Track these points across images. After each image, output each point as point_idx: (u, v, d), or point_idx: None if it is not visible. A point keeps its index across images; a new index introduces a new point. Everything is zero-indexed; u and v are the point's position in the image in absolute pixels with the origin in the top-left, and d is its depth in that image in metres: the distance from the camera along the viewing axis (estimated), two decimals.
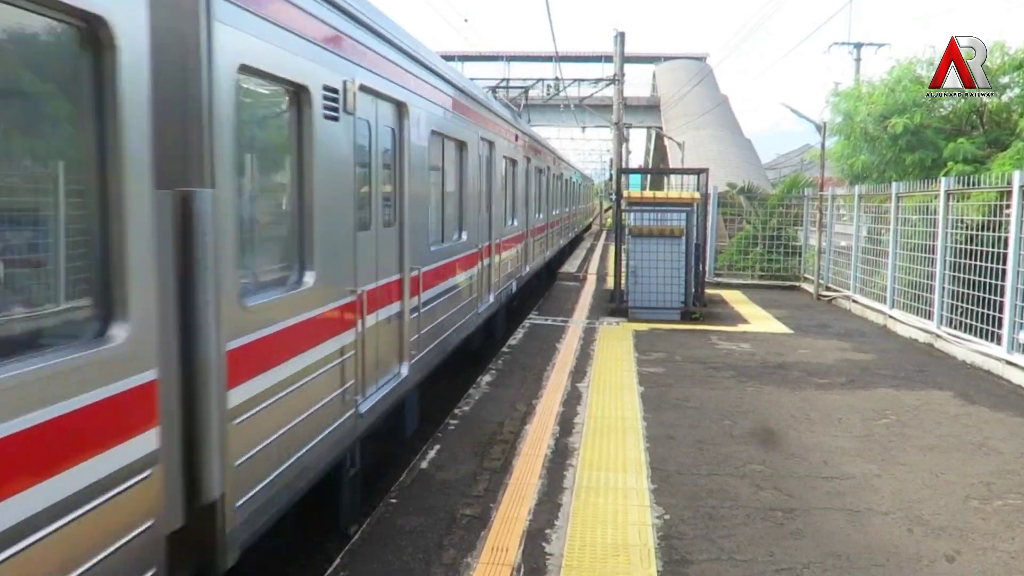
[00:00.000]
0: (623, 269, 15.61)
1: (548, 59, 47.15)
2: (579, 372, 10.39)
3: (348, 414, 5.80)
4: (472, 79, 24.20)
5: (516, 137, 15.16)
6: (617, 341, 12.63)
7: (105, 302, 3.30)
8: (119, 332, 3.30)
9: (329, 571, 5.02)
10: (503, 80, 35.14)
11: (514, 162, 14.77)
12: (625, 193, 16.63)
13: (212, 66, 3.91)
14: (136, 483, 3.40)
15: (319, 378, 5.29)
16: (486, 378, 10.03)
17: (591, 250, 34.30)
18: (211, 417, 3.93)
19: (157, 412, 3.55)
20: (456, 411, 8.56)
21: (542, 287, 20.57)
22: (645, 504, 6.05)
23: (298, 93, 5.02)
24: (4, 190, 3.07)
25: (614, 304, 15.78)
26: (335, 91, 5.48)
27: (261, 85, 4.75)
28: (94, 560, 3.16)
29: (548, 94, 38.88)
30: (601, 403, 8.90)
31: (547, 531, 5.55)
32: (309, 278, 5.15)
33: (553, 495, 6.20)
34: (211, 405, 3.94)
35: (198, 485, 3.88)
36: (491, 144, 12.14)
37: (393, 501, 6.09)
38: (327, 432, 5.41)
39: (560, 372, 10.39)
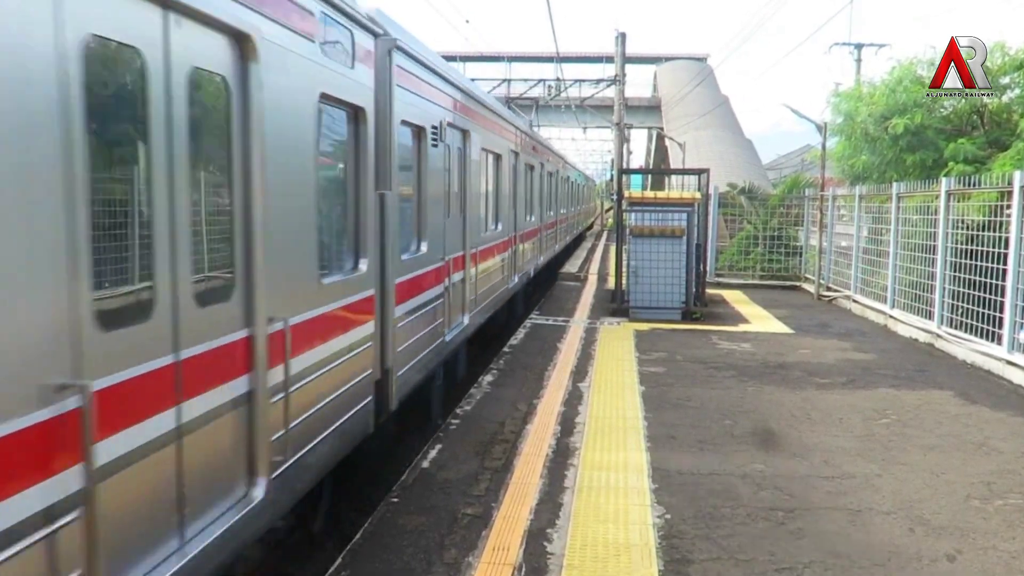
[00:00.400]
0: (624, 269, 15.63)
1: (549, 60, 47.14)
2: (580, 372, 10.40)
3: (439, 340, 8.80)
4: (473, 79, 24.28)
5: (534, 148, 18.14)
6: (618, 341, 12.64)
7: (358, 251, 6.25)
8: (362, 267, 6.26)
9: (331, 570, 5.03)
10: (504, 80, 35.17)
11: (531, 167, 17.22)
12: (626, 193, 16.64)
13: (392, 122, 6.76)
14: (365, 348, 6.25)
15: (428, 311, 8.34)
16: (487, 378, 10.04)
17: (592, 250, 34.31)
18: (389, 319, 6.88)
19: (374, 311, 6.52)
20: (457, 410, 8.57)
21: (543, 287, 20.56)
22: (646, 503, 6.06)
23: (420, 131, 7.96)
24: (334, 204, 6.01)
25: (615, 304, 15.78)
26: (436, 128, 8.48)
27: (407, 129, 7.59)
28: (352, 383, 5.98)
29: (550, 95, 38.93)
30: (602, 403, 8.91)
31: (548, 530, 5.56)
32: (424, 247, 8.16)
33: (554, 494, 6.21)
34: (389, 313, 6.89)
35: (384, 357, 6.79)
36: (516, 155, 14.70)
37: (395, 500, 6.10)
38: (431, 348, 8.42)
39: (561, 372, 10.40)
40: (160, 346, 3.51)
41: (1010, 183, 10.74)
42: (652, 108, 62.02)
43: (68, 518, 2.92)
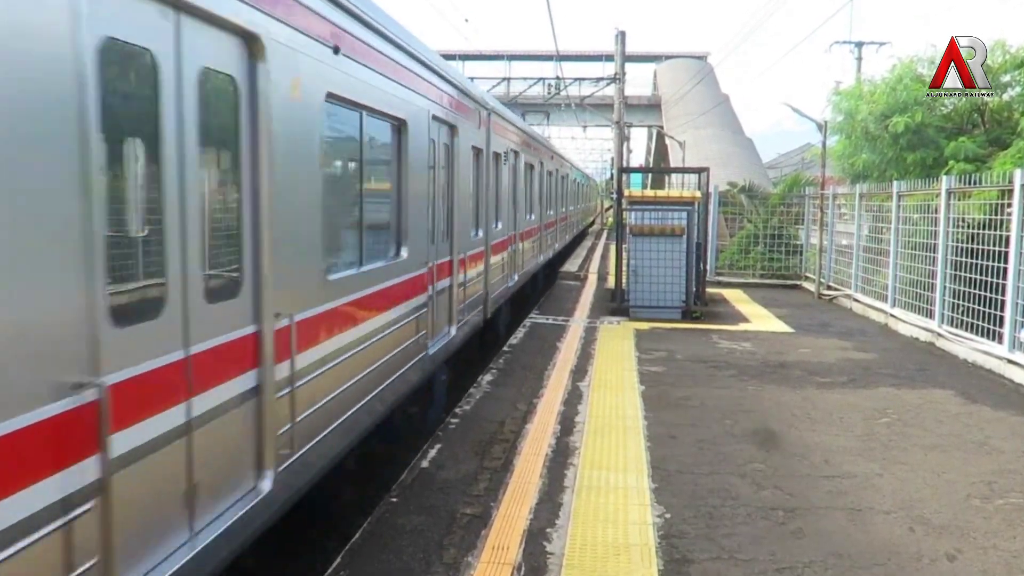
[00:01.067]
0: (624, 268, 15.61)
1: (549, 58, 47.15)
2: (580, 371, 10.39)
3: (480, 308, 10.81)
4: (473, 78, 24.21)
5: (550, 156, 20.33)
6: (618, 340, 12.63)
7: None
8: (480, 233, 10.83)
9: (329, 571, 5.02)
10: (504, 79, 35.15)
11: (549, 173, 19.67)
12: (626, 192, 16.62)
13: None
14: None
15: (474, 281, 10.64)
16: (487, 377, 10.02)
17: (592, 249, 34.30)
18: (489, 263, 11.00)
19: (483, 259, 10.96)
20: (457, 410, 8.56)
21: (541, 287, 20.54)
22: (646, 503, 6.04)
23: (498, 156, 10.88)
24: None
25: (615, 303, 15.77)
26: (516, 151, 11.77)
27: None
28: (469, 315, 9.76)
29: (549, 93, 38.90)
30: (602, 402, 8.89)
31: (548, 530, 5.55)
32: (482, 233, 10.87)
33: (554, 494, 6.20)
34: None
35: (487, 286, 10.59)
36: (533, 166, 16.34)
37: (394, 500, 6.09)
38: (474, 312, 10.65)
39: (561, 371, 10.38)
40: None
41: (1011, 181, 10.72)
42: (652, 107, 61.97)
43: (482, 275, 8.57)
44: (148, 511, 3.48)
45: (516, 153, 14.75)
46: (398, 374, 7.03)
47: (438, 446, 7.34)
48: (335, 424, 5.53)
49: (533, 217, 17.57)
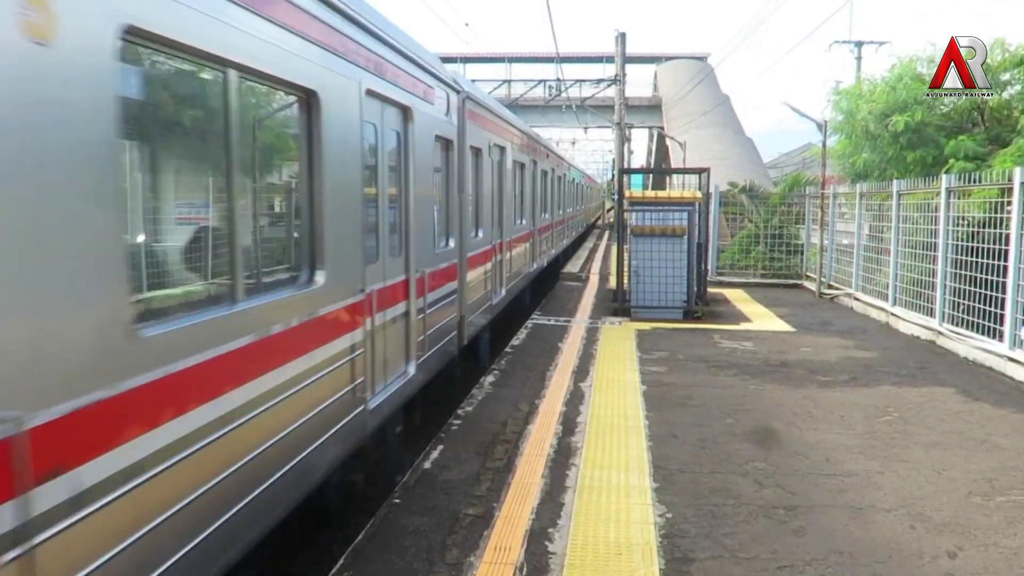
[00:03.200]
0: (625, 269, 15.64)
1: (550, 60, 47.17)
2: (582, 371, 10.41)
3: (453, 335, 9.72)
4: (474, 80, 24.22)
5: (545, 154, 20.50)
6: (620, 340, 12.65)
7: (448, 237, 9.50)
8: (452, 243, 9.60)
9: (333, 571, 5.04)
10: (504, 81, 35.19)
11: (544, 173, 19.80)
12: (627, 193, 16.64)
13: (464, 147, 10.18)
14: (453, 298, 9.56)
15: (488, 275, 11.96)
16: (489, 378, 10.05)
17: (594, 250, 34.32)
18: (465, 280, 10.20)
19: (457, 274, 9.75)
20: (459, 411, 8.58)
21: (543, 288, 20.54)
22: (647, 503, 6.07)
23: (478, 151, 11.16)
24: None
25: (617, 304, 15.80)
26: (501, 147, 12.96)
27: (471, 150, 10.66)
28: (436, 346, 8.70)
29: (550, 95, 38.95)
30: (604, 402, 8.92)
31: (550, 530, 5.57)
32: (454, 243, 9.79)
33: (556, 494, 6.22)
34: (463, 274, 10.15)
35: (462, 307, 10.02)
36: (524, 164, 16.16)
37: (396, 501, 6.11)
38: (487, 304, 11.87)
39: (563, 372, 10.41)
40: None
41: (1010, 179, 10.73)
42: (653, 108, 62.03)
43: (493, 268, 12.04)
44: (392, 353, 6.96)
45: (501, 148, 13.11)
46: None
47: (440, 447, 7.37)
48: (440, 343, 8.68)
49: (524, 222, 16.15)
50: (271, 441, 4.54)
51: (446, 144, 9.44)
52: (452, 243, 9.60)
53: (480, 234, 11.34)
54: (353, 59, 5.90)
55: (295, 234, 5.39)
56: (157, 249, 4.18)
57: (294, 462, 4.86)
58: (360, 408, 6.08)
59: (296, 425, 4.88)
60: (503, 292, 13.31)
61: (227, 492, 4.04)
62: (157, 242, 4.21)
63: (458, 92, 9.83)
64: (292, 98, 5.17)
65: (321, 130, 5.32)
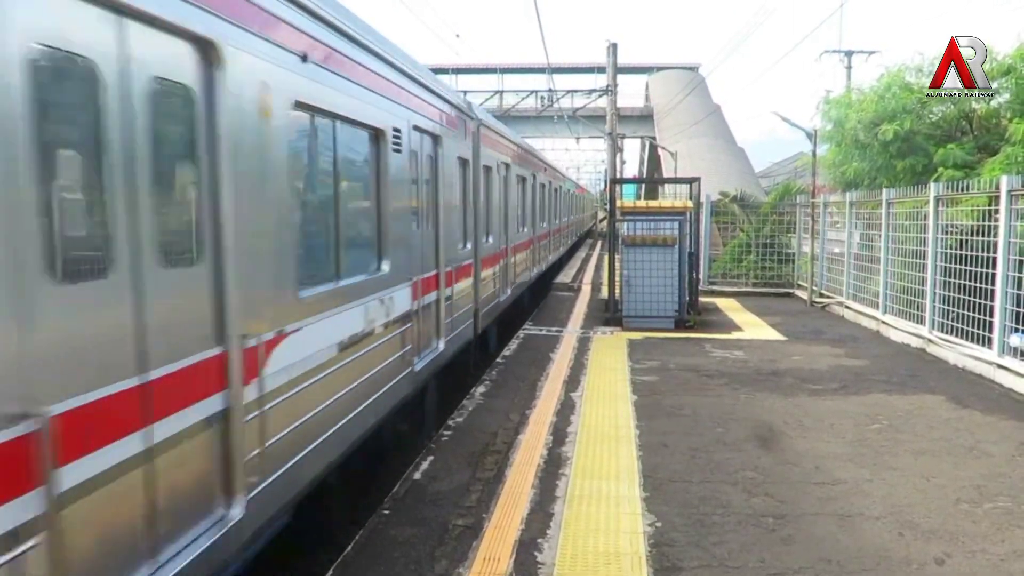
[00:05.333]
0: (617, 278, 15.67)
1: (541, 71, 47.30)
2: (573, 381, 10.42)
3: (498, 299, 12.81)
4: (465, 92, 24.47)
5: (543, 168, 21.66)
6: (611, 350, 12.66)
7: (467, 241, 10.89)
8: (469, 246, 11.03)
9: None
10: (496, 92, 35.30)
11: (543, 185, 20.79)
12: (619, 203, 16.69)
13: (479, 166, 11.79)
14: (470, 289, 11.05)
15: (496, 276, 13.17)
16: (480, 389, 10.05)
17: (586, 260, 34.37)
18: (480, 277, 11.56)
19: (472, 272, 11.23)
20: (450, 422, 8.58)
21: (535, 298, 20.57)
22: (637, 512, 6.07)
23: (488, 168, 12.30)
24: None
25: (608, 313, 15.82)
26: (507, 164, 13.89)
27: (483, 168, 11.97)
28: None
29: (542, 106, 39.03)
30: (594, 412, 8.92)
31: (539, 540, 5.57)
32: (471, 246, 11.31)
33: (545, 504, 6.22)
34: (478, 272, 11.47)
35: (477, 301, 11.37)
36: (525, 178, 17.24)
37: (386, 512, 6.11)
38: (495, 302, 13.11)
39: (554, 382, 10.41)
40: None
41: (998, 188, 10.80)
42: (644, 118, 62.25)
43: (504, 266, 14.43)
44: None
45: (507, 166, 14.67)
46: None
47: (430, 458, 7.36)
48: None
49: (526, 230, 17.41)
50: (523, 267, 10.91)
51: (463, 163, 10.89)
52: (469, 246, 11.25)
53: (490, 239, 12.82)
54: (545, 171, 11.89)
55: (521, 219, 11.13)
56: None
57: (523, 277, 11.64)
58: (530, 276, 11.74)
59: (523, 268, 10.79)
60: (508, 292, 14.56)
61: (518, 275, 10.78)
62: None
63: (472, 119, 11.42)
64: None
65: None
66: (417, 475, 6.92)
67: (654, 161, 62.97)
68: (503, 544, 5.49)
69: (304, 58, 5.14)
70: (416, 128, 8.05)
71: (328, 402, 5.61)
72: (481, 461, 7.28)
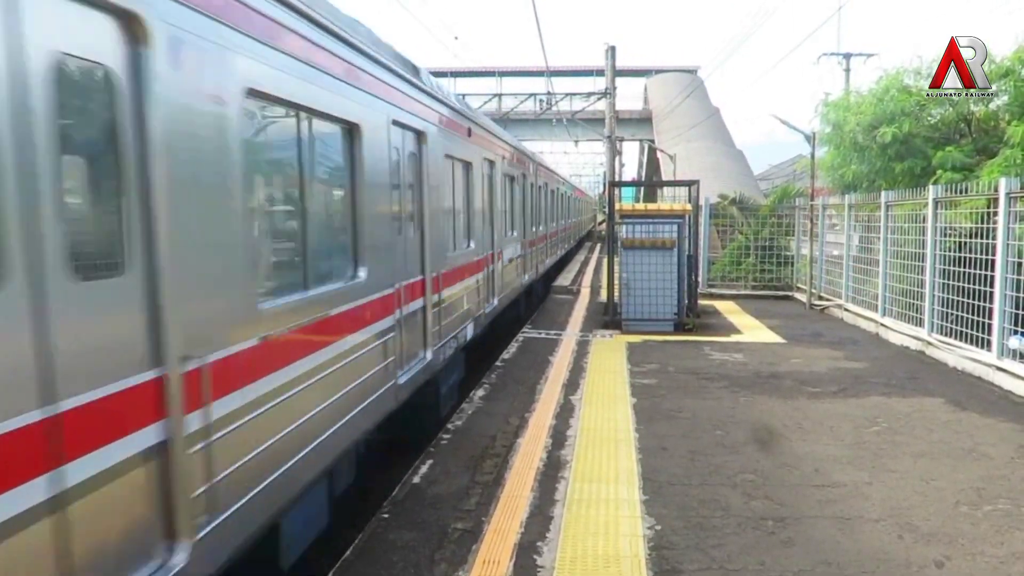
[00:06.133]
0: (616, 281, 15.67)
1: (540, 74, 47.38)
2: (572, 385, 10.41)
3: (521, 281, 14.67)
4: (464, 95, 24.57)
5: (541, 169, 21.74)
6: (610, 353, 12.66)
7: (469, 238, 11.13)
8: (472, 245, 11.21)
9: None
10: (495, 95, 35.32)
11: (537, 187, 20.45)
12: (617, 206, 16.70)
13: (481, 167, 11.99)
14: (484, 280, 12.15)
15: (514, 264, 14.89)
16: (479, 392, 10.04)
17: (585, 262, 34.38)
18: (496, 269, 13.10)
19: (483, 266, 11.97)
20: (449, 425, 8.57)
21: (534, 302, 20.55)
22: (636, 515, 6.07)
23: (513, 178, 14.54)
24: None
25: (608, 316, 15.82)
26: (503, 160, 13.86)
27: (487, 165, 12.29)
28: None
29: (541, 109, 39.08)
30: (594, 415, 8.92)
31: (539, 543, 5.57)
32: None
33: (545, 508, 6.22)
34: (497, 266, 13.25)
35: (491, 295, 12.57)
36: (539, 186, 19.07)
37: (385, 516, 6.11)
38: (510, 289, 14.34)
39: (553, 385, 10.41)
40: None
41: (996, 190, 10.81)
42: (643, 120, 62.22)
43: (520, 260, 16.85)
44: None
45: (491, 163, 13.28)
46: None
47: (429, 461, 7.36)
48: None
49: (515, 234, 16.39)
50: (531, 261, 13.95)
51: (460, 164, 10.65)
52: (473, 244, 11.38)
53: (471, 245, 11.51)
54: (553, 178, 14.43)
55: (533, 219, 13.49)
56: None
57: (530, 271, 14.51)
58: (536, 270, 13.91)
59: (531, 262, 13.07)
60: (495, 301, 13.27)
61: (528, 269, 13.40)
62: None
63: (464, 116, 10.89)
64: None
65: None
66: (416, 479, 6.92)
67: (653, 164, 62.95)
68: (503, 547, 5.49)
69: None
70: (397, 123, 7.45)
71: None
72: (480, 464, 7.28)
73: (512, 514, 6.08)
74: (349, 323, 6.08)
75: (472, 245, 11.43)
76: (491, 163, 13.12)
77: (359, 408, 6.22)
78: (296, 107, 5.28)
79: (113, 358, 3.37)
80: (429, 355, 8.54)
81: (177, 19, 3.78)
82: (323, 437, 5.45)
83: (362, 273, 6.41)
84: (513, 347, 13.27)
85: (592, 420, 8.73)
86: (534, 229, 19.75)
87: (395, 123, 7.37)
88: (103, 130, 3.44)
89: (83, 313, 3.20)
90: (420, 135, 8.39)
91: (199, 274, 3.99)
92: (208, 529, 3.95)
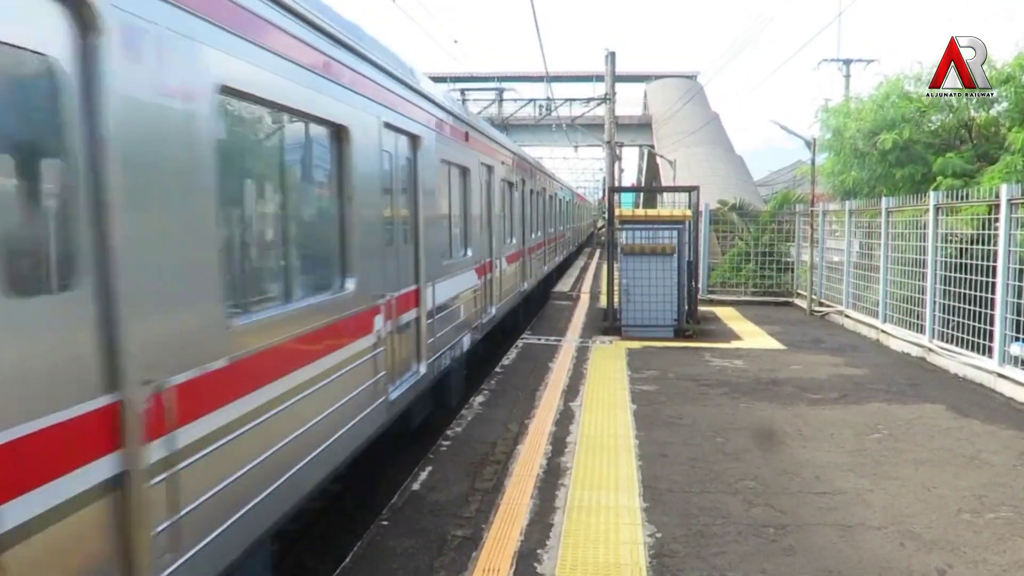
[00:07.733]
0: (616, 287, 15.65)
1: (539, 79, 47.39)
2: (572, 391, 10.38)
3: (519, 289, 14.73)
4: (464, 100, 24.60)
5: (541, 175, 21.92)
6: (610, 359, 12.63)
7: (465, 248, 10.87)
8: (469, 252, 10.97)
9: None
10: (495, 100, 35.36)
11: (536, 193, 20.26)
12: (617, 212, 16.69)
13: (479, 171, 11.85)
14: (481, 289, 11.94)
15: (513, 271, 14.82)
16: (478, 399, 10.01)
17: (585, 268, 34.35)
18: (495, 277, 12.86)
19: (480, 274, 11.54)
20: (448, 432, 8.54)
21: (532, 309, 20.53)
22: (637, 522, 6.04)
23: (512, 183, 14.35)
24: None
25: (607, 323, 15.79)
26: (502, 165, 13.53)
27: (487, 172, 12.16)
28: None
29: (540, 114, 39.11)
30: (594, 422, 8.89)
31: (539, 551, 5.54)
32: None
33: (545, 515, 6.19)
34: (495, 275, 12.97)
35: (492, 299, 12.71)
36: (514, 184, 16.74)
37: (384, 523, 6.07)
38: (509, 298, 14.33)
39: (553, 391, 10.38)
40: None
41: (997, 196, 10.79)
42: (643, 126, 62.28)
43: (519, 265, 17.18)
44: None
45: (490, 169, 12.93)
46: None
47: (429, 468, 7.33)
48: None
49: (514, 241, 16.06)
50: (535, 264, 15.36)
51: (462, 171, 10.61)
52: (471, 252, 11.15)
53: (470, 252, 11.32)
54: (561, 186, 16.14)
55: (532, 226, 15.59)
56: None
57: (535, 272, 16.37)
58: (540, 272, 15.75)
59: (535, 265, 11.88)
60: (493, 310, 13.05)
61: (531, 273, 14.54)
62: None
63: (464, 121, 10.81)
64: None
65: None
66: (416, 485, 6.89)
67: (652, 169, 62.99)
68: (502, 555, 5.46)
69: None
70: (389, 126, 7.10)
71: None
72: (480, 471, 7.24)
73: (512, 521, 6.05)
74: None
75: (469, 253, 11.10)
76: (489, 168, 12.78)
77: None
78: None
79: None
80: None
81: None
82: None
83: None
84: (513, 353, 13.24)
85: (592, 427, 8.70)
86: (533, 235, 19.40)
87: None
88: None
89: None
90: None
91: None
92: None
